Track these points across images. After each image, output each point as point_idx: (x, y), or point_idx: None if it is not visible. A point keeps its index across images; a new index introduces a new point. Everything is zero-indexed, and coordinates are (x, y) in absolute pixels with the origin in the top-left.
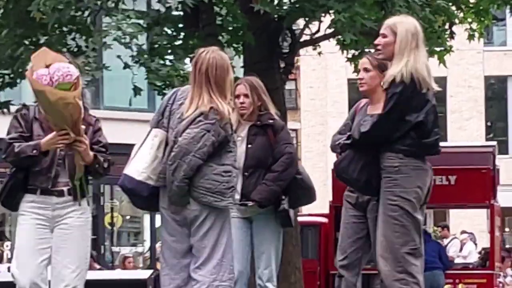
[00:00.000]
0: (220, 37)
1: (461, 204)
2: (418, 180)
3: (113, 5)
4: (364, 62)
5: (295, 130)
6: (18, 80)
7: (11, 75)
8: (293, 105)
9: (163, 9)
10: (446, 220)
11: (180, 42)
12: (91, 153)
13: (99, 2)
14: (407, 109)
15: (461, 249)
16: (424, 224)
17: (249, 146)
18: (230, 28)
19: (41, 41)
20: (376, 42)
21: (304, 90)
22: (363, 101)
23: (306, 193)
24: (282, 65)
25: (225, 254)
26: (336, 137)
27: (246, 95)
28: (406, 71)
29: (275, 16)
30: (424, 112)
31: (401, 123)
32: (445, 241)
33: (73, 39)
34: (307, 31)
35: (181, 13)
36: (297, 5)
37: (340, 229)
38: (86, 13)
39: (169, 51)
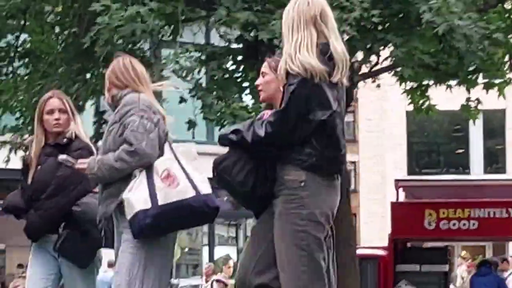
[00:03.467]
0: None
1: None
2: (329, 199)
3: (170, 38)
4: (263, 66)
5: (354, 162)
6: None
7: None
8: (351, 137)
9: (222, 43)
10: (505, 253)
11: (239, 74)
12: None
13: (156, 35)
14: (308, 106)
15: None
16: (483, 256)
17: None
18: None
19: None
20: (256, 83)
21: (362, 122)
22: (268, 112)
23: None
24: None
25: None
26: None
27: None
28: (296, 62)
29: None
30: (328, 113)
31: (303, 122)
32: (505, 274)
33: None
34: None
35: (240, 45)
36: (355, 39)
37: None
38: (146, 45)
39: (226, 86)
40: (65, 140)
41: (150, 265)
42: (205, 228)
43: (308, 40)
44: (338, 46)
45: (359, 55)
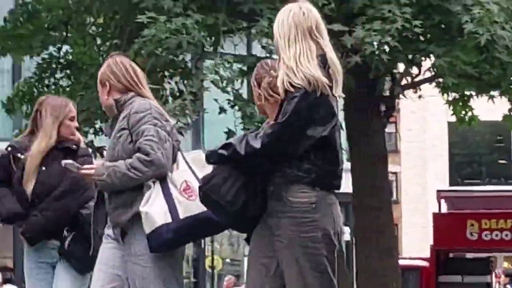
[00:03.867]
0: None
1: None
2: (337, 216)
3: (211, 49)
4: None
5: (395, 173)
6: None
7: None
8: (393, 147)
9: (263, 54)
10: None
11: None
12: None
13: (198, 47)
14: (310, 120)
15: None
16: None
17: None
18: None
19: None
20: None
21: (404, 133)
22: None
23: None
24: (383, 108)
25: None
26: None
27: None
28: (300, 75)
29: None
30: (329, 128)
31: (302, 137)
32: None
33: (175, 82)
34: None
35: None
36: (397, 50)
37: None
38: (188, 56)
39: None
40: (74, 146)
41: (168, 277)
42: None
43: (308, 51)
44: (334, 58)
45: (401, 66)
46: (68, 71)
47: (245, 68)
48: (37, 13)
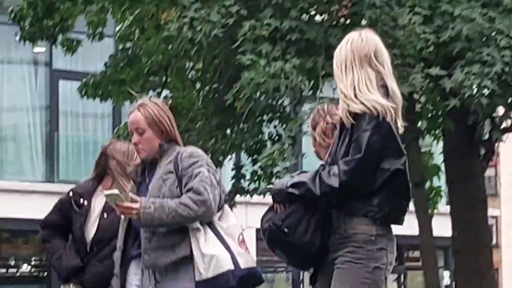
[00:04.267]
0: (418, 124)
1: None
2: (392, 251)
3: (309, 93)
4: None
5: (495, 217)
6: None
7: None
8: (493, 191)
9: None
10: None
11: None
12: None
13: (296, 91)
14: (384, 152)
15: None
16: None
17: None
18: (429, 115)
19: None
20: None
21: (504, 177)
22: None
23: None
24: (482, 151)
25: None
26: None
27: None
28: (359, 102)
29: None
30: (403, 159)
31: (380, 171)
32: None
33: (274, 126)
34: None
35: None
36: (496, 94)
37: None
38: (287, 100)
39: None
40: None
41: None
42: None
43: (366, 79)
44: (395, 89)
45: (500, 110)
46: None
47: None
48: (137, 58)
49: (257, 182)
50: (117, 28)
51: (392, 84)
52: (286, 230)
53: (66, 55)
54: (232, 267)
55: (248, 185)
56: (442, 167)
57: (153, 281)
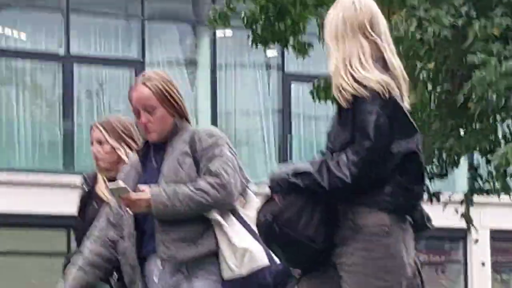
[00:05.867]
0: None
1: None
2: (411, 246)
3: None
4: None
5: None
6: (445, 171)
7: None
8: None
9: None
10: None
11: None
12: None
13: None
14: (394, 133)
15: None
16: None
17: None
18: None
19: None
20: None
21: None
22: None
23: None
24: None
25: None
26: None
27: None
28: (349, 80)
29: None
30: (415, 139)
31: (388, 157)
32: None
33: (507, 126)
34: None
35: None
36: None
37: None
38: None
39: None
40: None
41: None
42: None
43: (360, 52)
44: (394, 61)
45: None
46: None
47: None
48: None
49: (491, 182)
50: None
51: (392, 56)
52: (285, 224)
53: (298, 58)
54: (268, 263)
55: (483, 184)
56: None
57: (171, 277)
